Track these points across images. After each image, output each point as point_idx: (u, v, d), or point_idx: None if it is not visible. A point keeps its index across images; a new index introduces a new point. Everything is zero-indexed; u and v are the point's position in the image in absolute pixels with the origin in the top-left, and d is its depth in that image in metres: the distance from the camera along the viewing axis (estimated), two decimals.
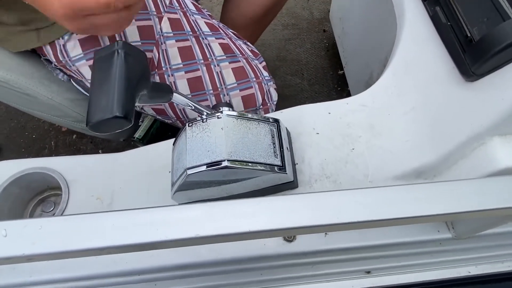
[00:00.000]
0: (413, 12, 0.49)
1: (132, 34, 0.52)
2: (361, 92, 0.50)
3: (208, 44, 0.56)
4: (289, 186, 0.44)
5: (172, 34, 0.53)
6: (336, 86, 1.21)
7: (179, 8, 0.56)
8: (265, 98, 0.57)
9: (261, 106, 0.58)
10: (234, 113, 0.41)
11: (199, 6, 0.62)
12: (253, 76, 0.57)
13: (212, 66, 0.55)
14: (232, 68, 0.56)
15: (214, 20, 0.61)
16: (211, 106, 0.57)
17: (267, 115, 0.46)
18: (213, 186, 0.42)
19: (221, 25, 0.61)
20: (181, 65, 0.55)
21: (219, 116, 0.40)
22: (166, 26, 0.53)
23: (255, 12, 0.73)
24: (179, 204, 0.45)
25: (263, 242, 0.44)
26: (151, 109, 0.60)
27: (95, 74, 0.31)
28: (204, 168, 0.38)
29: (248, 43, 0.64)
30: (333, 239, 0.44)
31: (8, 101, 0.60)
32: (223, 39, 0.58)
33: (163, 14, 0.54)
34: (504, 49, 0.35)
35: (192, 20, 0.57)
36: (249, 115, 0.42)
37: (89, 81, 0.55)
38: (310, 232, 0.30)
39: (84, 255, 0.27)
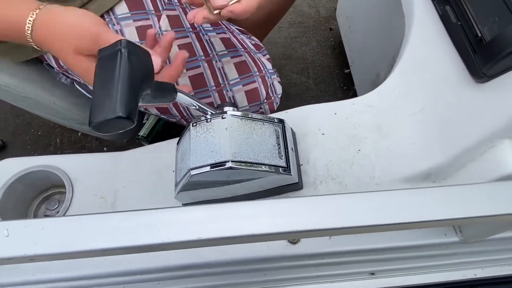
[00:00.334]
0: (422, 11, 0.48)
1: (131, 35, 0.52)
2: (367, 92, 0.49)
3: (209, 39, 0.56)
4: (294, 187, 0.43)
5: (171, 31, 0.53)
6: (342, 85, 1.19)
7: (178, 4, 0.56)
8: (269, 91, 0.57)
9: (265, 100, 0.57)
10: (239, 113, 0.40)
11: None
12: (256, 70, 0.56)
13: (213, 62, 0.55)
14: (234, 63, 0.56)
15: None
16: (214, 102, 0.56)
17: (272, 115, 0.46)
18: (217, 187, 0.41)
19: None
20: None
21: (223, 116, 0.39)
22: (164, 24, 0.53)
23: (257, 18, 0.72)
24: (183, 204, 0.45)
25: (267, 243, 0.44)
26: (155, 108, 0.60)
27: (98, 74, 0.31)
28: (208, 168, 0.38)
29: (252, 37, 0.63)
30: (338, 242, 0.44)
31: (13, 103, 0.61)
32: (225, 33, 0.57)
33: (161, 12, 0.53)
34: None
35: None
36: (254, 115, 0.41)
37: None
38: (315, 236, 0.29)
39: (86, 256, 0.27)
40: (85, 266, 0.43)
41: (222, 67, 0.55)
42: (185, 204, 0.45)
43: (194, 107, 0.40)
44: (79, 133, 1.12)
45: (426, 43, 0.47)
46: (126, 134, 0.77)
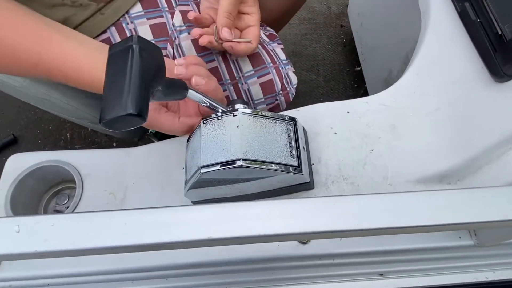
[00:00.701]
0: (439, 7, 0.47)
1: (145, 34, 0.51)
2: (378, 89, 0.48)
3: None
4: (305, 187, 0.43)
5: (185, 27, 0.52)
6: (353, 83, 1.18)
7: (191, 0, 0.55)
8: (284, 82, 0.56)
9: (281, 91, 0.56)
10: (250, 111, 0.40)
11: None
12: (269, 61, 0.55)
13: (227, 55, 0.54)
14: (248, 55, 0.55)
15: None
16: (230, 96, 0.56)
17: (284, 112, 0.45)
18: (227, 185, 0.41)
19: None
20: None
21: (234, 114, 0.39)
22: (178, 20, 0.53)
23: (266, 19, 0.72)
24: (192, 202, 0.45)
25: (277, 243, 0.43)
26: None
27: (109, 70, 0.30)
28: (218, 167, 0.37)
29: (267, 28, 0.62)
30: (348, 243, 0.43)
31: (26, 101, 0.61)
32: None
33: (175, 8, 0.53)
34: None
35: None
36: (265, 113, 0.40)
37: None
38: (327, 237, 0.29)
39: (95, 254, 0.27)
40: (93, 262, 0.43)
41: (236, 59, 0.54)
42: (194, 202, 0.45)
43: (204, 104, 0.40)
44: (89, 129, 1.13)
45: (443, 41, 0.46)
46: (136, 132, 0.77)
